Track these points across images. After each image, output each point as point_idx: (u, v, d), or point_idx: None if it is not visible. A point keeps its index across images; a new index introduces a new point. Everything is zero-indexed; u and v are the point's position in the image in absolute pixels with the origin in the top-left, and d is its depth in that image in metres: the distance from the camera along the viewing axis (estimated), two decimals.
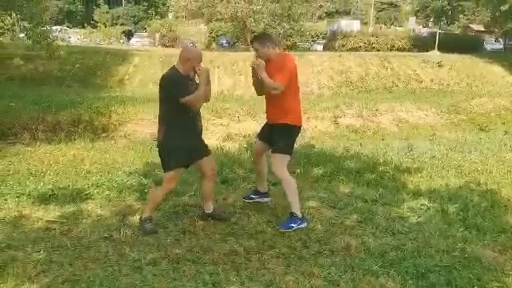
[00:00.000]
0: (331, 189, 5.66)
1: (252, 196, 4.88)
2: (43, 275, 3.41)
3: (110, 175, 6.02)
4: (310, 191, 5.51)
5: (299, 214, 4.32)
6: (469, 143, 9.90)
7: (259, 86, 4.46)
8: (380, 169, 6.92)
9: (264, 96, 4.54)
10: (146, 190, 5.22)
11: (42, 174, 6.11)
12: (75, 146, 8.74)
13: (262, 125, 4.77)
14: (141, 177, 5.91)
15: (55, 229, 4.25)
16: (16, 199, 5.04)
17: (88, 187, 5.48)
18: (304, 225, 4.31)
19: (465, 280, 3.34)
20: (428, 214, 4.87)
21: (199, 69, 4.11)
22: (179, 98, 4.00)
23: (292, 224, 4.23)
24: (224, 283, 3.31)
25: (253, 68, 4.40)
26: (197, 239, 4.06)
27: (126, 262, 3.62)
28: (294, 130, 4.47)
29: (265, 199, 4.88)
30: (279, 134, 4.38)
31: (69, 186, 5.50)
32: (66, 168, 6.49)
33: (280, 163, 4.35)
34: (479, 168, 7.15)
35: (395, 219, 4.63)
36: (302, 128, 4.60)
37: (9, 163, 6.84)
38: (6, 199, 5.01)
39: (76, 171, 6.33)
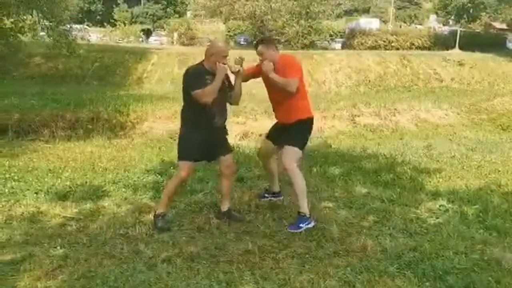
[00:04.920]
0: (348, 189, 5.60)
1: (266, 195, 4.92)
2: (59, 270, 3.44)
3: (126, 172, 6.07)
4: (326, 191, 5.46)
5: (307, 213, 4.24)
6: (490, 143, 9.74)
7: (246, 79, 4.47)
8: (398, 169, 6.84)
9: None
10: (161, 188, 5.23)
11: (60, 171, 6.18)
12: (93, 143, 8.85)
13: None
14: (157, 175, 5.94)
15: (72, 225, 4.29)
16: (35, 195, 5.10)
17: (105, 184, 5.53)
18: (311, 224, 4.22)
19: (484, 283, 3.26)
20: (446, 215, 4.77)
21: (219, 65, 4.07)
22: (190, 90, 4.04)
23: (301, 225, 4.17)
24: (238, 282, 3.29)
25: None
26: (212, 237, 4.05)
27: (141, 259, 3.62)
28: (307, 123, 4.44)
29: (279, 198, 4.91)
30: (293, 130, 4.35)
31: (86, 183, 5.55)
32: (83, 165, 6.56)
33: (291, 156, 4.27)
34: (500, 169, 7.01)
35: (413, 220, 4.55)
36: (313, 120, 4.54)
37: (29, 159, 6.95)
38: (25, 195, 5.08)
39: (93, 168, 6.39)
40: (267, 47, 4.36)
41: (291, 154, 4.28)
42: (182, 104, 4.30)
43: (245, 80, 4.50)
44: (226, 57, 4.13)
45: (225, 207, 4.45)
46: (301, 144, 4.38)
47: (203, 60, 4.20)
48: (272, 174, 4.82)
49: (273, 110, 4.63)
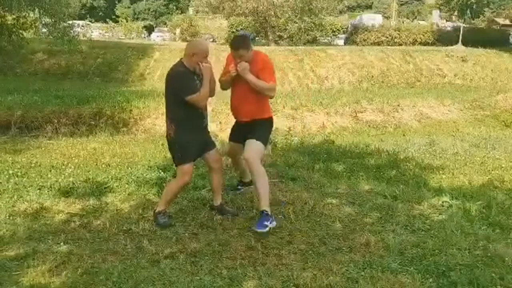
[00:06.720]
0: (351, 185, 5.59)
1: (239, 187, 5.02)
2: (63, 266, 3.45)
3: (129, 168, 6.07)
4: (329, 187, 5.46)
5: (269, 211, 4.05)
6: (493, 139, 9.71)
7: (228, 84, 4.46)
8: (401, 165, 6.83)
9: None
10: (164, 184, 5.23)
11: (63, 167, 6.18)
12: (96, 139, 8.86)
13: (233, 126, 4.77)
14: (160, 171, 5.94)
15: (75, 221, 4.30)
16: (38, 191, 5.10)
17: (108, 180, 5.52)
18: (273, 224, 4.01)
19: (488, 279, 3.26)
20: (450, 212, 4.77)
21: (203, 66, 4.06)
22: (184, 96, 4.00)
23: (266, 223, 3.94)
24: (242, 278, 3.29)
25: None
26: (215, 233, 4.05)
27: (144, 255, 3.63)
28: (271, 123, 4.63)
29: (252, 188, 4.81)
30: (260, 127, 4.38)
31: (89, 179, 5.54)
32: (86, 161, 6.56)
33: (256, 151, 4.22)
34: (503, 165, 7.00)
35: (416, 216, 4.54)
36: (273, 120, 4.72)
37: (32, 155, 6.96)
38: (28, 191, 5.08)
39: (96, 164, 6.39)
40: (247, 47, 4.25)
41: (255, 150, 4.24)
42: (168, 107, 4.20)
43: (226, 88, 4.51)
44: (207, 57, 4.14)
45: (217, 201, 4.48)
46: (265, 141, 4.47)
47: (182, 58, 4.15)
48: (243, 168, 4.89)
49: (235, 108, 4.54)
